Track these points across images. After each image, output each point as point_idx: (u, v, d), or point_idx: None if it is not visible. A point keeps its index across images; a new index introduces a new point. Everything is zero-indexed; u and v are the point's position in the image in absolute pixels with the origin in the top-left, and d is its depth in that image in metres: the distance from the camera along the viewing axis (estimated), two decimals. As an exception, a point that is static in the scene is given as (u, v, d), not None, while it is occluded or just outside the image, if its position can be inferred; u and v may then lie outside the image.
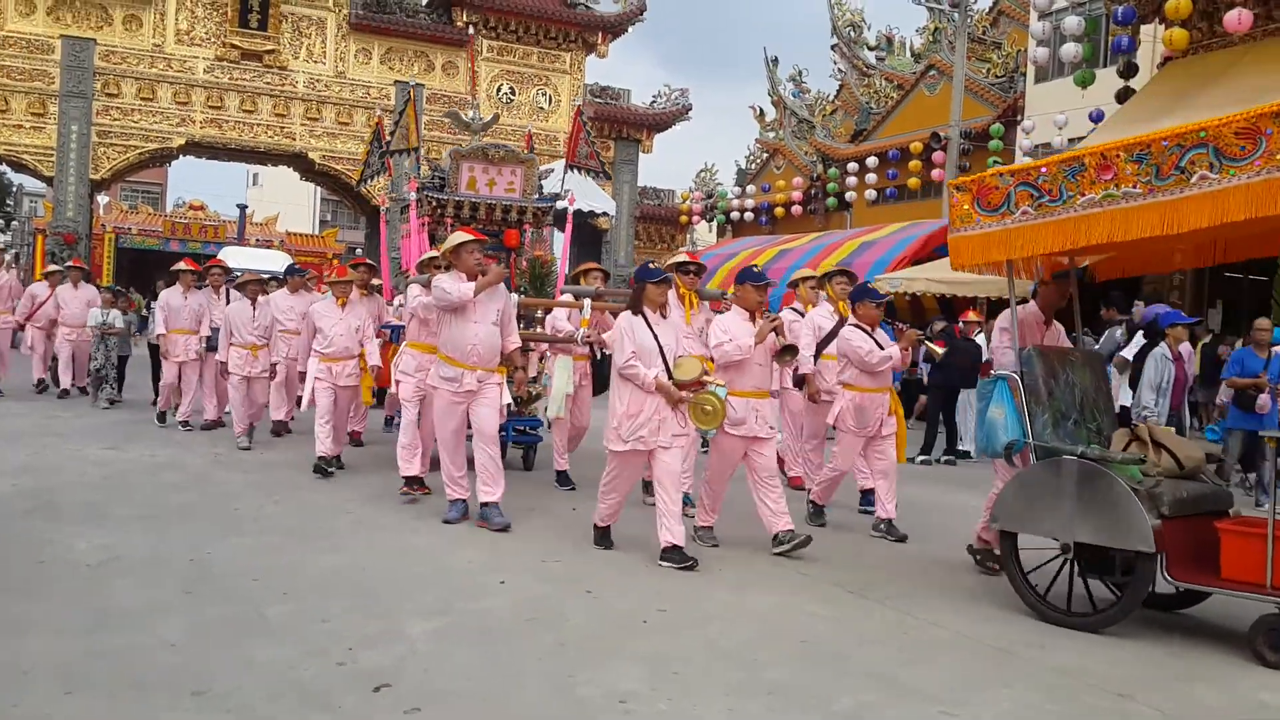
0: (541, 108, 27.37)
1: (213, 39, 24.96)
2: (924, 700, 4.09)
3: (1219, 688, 4.46)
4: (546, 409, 8.46)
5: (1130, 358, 9.86)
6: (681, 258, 7.79)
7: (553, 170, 11.12)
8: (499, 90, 27.30)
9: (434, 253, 8.04)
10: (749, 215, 29.55)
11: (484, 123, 10.19)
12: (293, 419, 11.28)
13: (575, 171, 10.44)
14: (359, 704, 3.80)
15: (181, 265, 11.94)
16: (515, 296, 7.90)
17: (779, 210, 28.64)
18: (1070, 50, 16.27)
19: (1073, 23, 16.66)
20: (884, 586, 5.90)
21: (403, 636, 4.57)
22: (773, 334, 6.53)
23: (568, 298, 8.62)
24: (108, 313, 13.22)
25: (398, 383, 8.07)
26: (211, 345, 11.06)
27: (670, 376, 6.14)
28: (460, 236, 6.93)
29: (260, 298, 10.59)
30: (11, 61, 23.59)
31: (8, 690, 3.75)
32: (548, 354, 9.14)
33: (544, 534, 6.80)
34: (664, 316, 6.36)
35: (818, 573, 6.12)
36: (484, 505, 6.77)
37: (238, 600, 5.01)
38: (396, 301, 10.85)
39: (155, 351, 12.71)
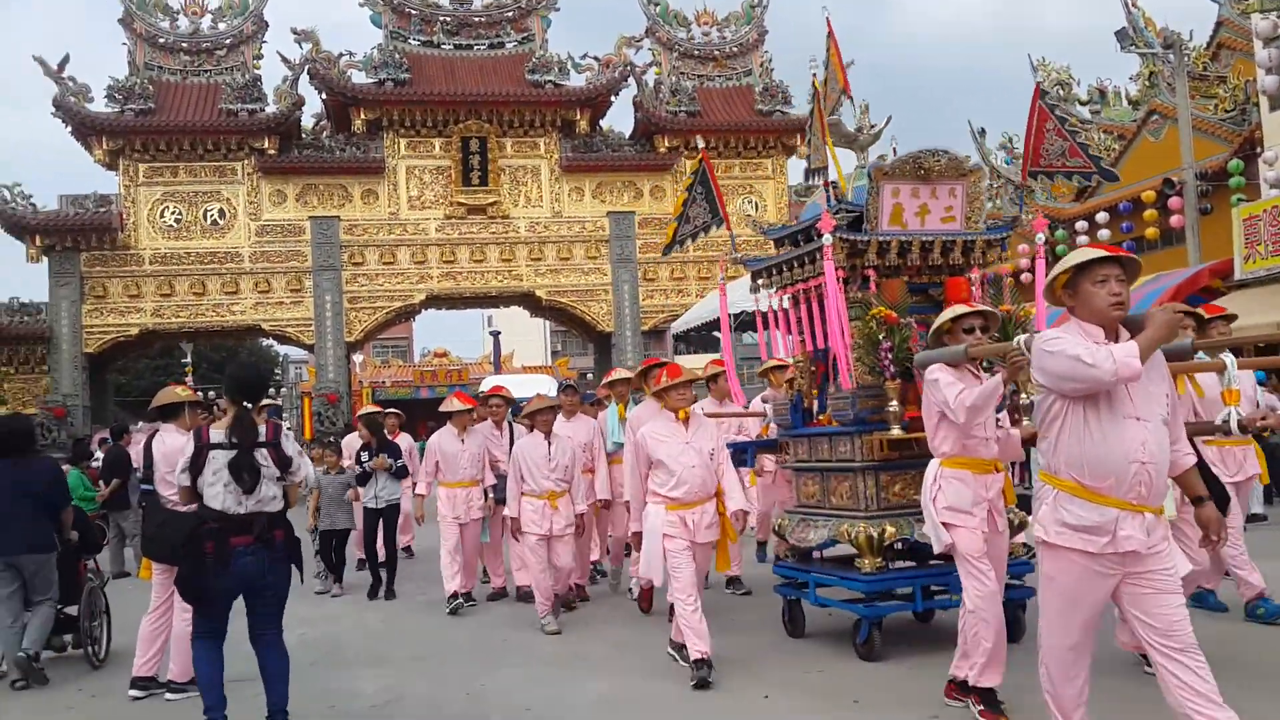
0: (749, 215, 27.78)
1: (440, 200, 26.89)
2: None
3: None
4: None
5: None
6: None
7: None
8: (707, 205, 27.91)
9: (961, 308, 5.11)
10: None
11: (876, 130, 7.00)
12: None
13: (1038, 178, 7.53)
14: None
15: (455, 403, 8.99)
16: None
17: (1008, 280, 27.64)
18: (1305, 72, 15.15)
19: (1304, 42, 15.55)
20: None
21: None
22: None
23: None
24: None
25: (948, 526, 4.87)
26: (500, 497, 8.52)
27: None
28: (1088, 252, 3.80)
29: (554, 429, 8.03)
30: (270, 247, 26.17)
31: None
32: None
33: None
34: None
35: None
36: None
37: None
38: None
39: (380, 515, 9.64)
